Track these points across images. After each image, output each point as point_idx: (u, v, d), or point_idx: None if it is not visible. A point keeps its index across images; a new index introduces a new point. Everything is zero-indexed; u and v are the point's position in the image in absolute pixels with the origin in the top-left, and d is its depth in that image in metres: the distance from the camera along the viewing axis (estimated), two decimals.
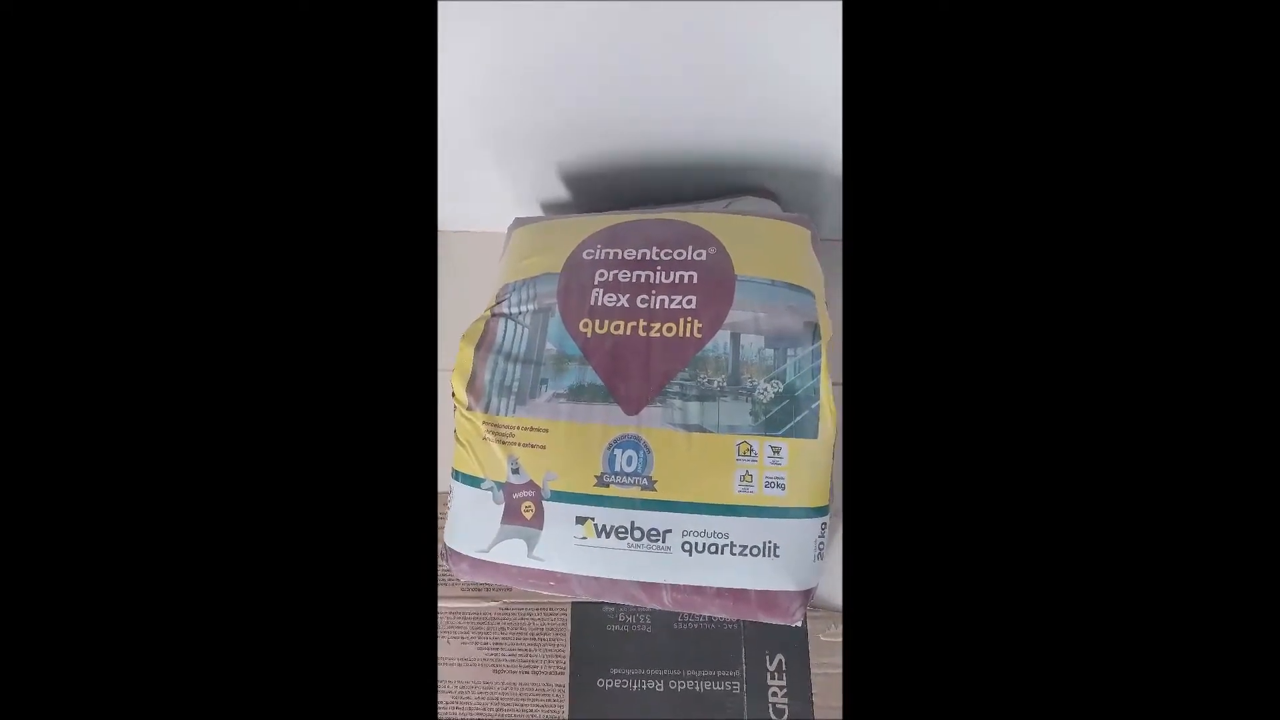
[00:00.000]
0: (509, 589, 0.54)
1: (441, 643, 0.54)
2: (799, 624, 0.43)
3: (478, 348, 0.44)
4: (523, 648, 0.53)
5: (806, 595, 0.41)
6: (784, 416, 0.40)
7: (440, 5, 0.35)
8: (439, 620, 0.54)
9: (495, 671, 0.53)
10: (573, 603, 0.53)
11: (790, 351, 0.41)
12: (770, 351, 0.41)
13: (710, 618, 0.52)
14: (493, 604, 0.54)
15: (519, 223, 0.50)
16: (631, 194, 0.55)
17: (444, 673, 0.53)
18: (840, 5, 0.34)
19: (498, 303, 0.45)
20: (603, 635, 0.53)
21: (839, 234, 0.57)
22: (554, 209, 0.59)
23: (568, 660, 0.52)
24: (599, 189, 0.56)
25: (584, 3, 0.37)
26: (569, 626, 0.53)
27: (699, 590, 0.40)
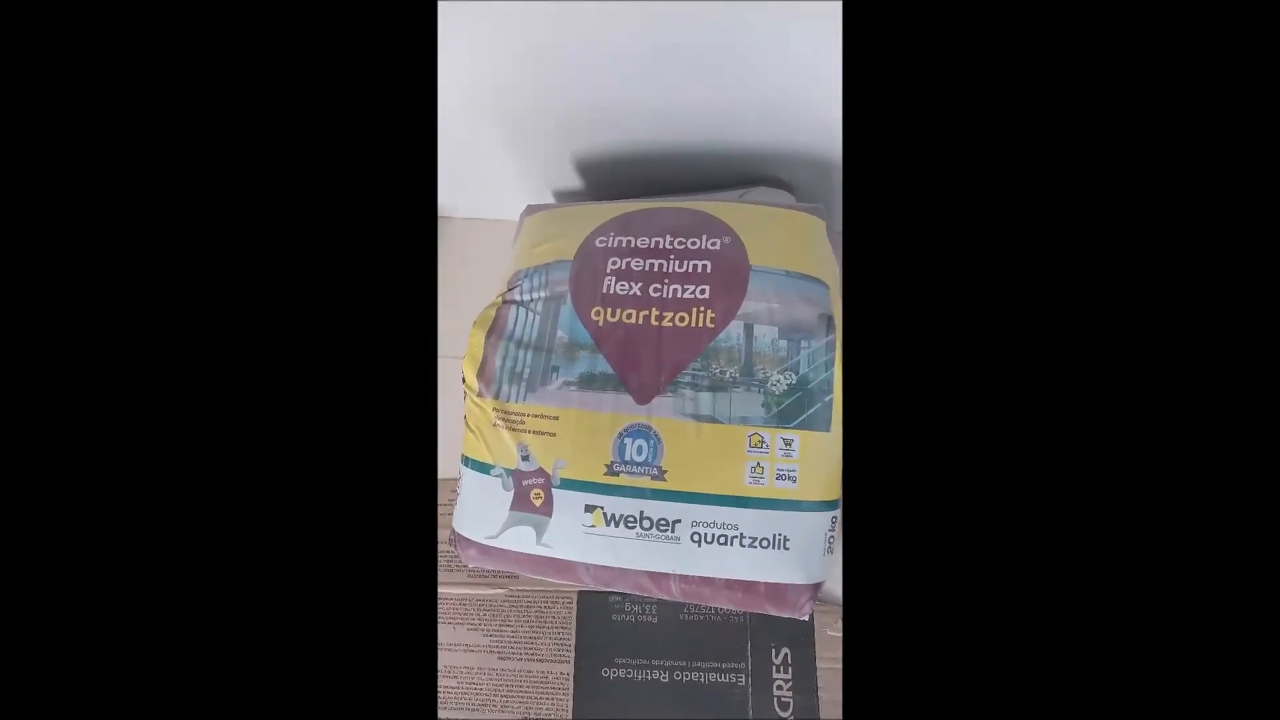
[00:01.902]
0: (515, 576, 0.54)
1: (447, 629, 0.54)
2: (807, 618, 0.43)
3: (489, 334, 0.43)
4: (528, 636, 0.53)
5: (815, 589, 0.41)
6: (796, 409, 0.39)
7: None
8: (444, 606, 0.54)
9: (500, 659, 0.53)
10: (579, 592, 0.53)
11: (804, 343, 0.40)
12: (784, 343, 0.40)
13: (716, 610, 0.52)
14: (499, 591, 0.54)
15: (531, 210, 0.50)
16: (645, 183, 0.54)
17: (448, 658, 0.53)
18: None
19: (509, 289, 0.45)
20: (608, 625, 0.53)
21: None
22: (567, 197, 0.59)
23: (573, 649, 0.52)
24: (612, 178, 0.55)
25: None
26: (574, 615, 0.53)
27: (708, 581, 0.40)
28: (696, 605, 0.52)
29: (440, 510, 0.56)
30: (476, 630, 0.54)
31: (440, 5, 0.36)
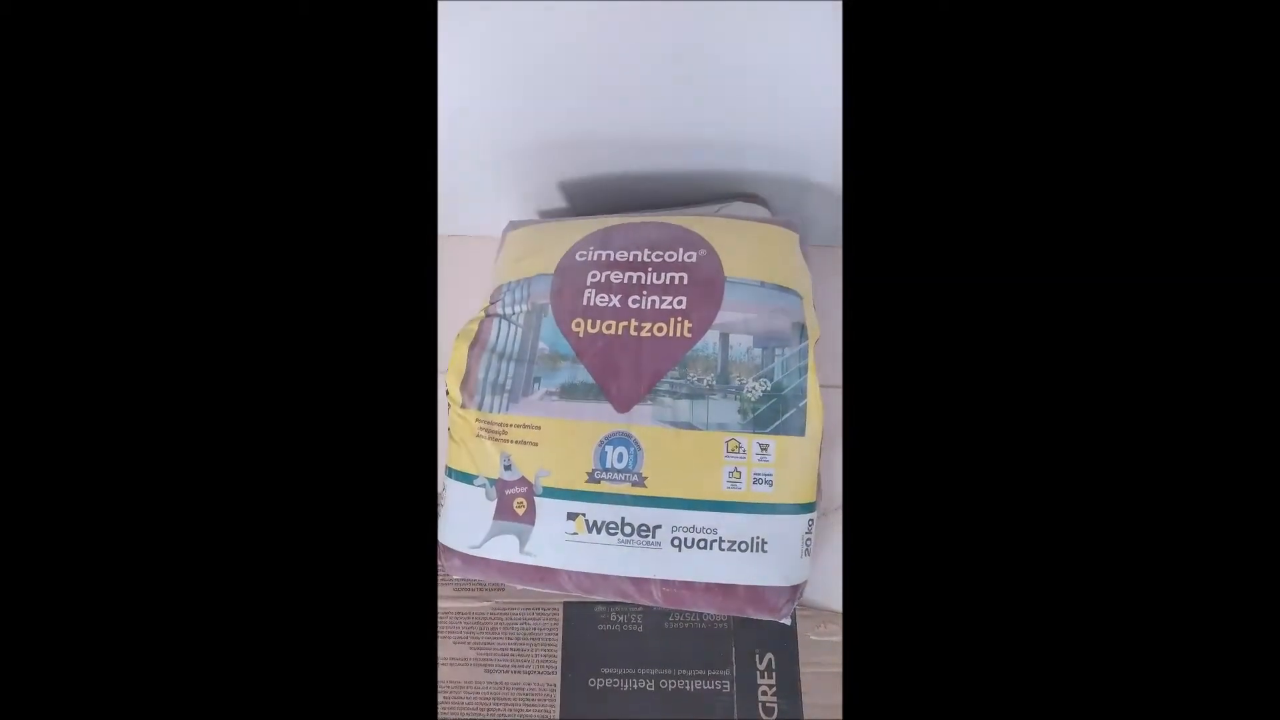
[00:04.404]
0: (501, 588, 0.54)
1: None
2: (788, 621, 0.44)
3: (472, 346, 0.44)
4: (514, 647, 0.54)
5: (794, 591, 0.42)
6: (772, 414, 0.41)
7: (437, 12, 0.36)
8: None
9: (487, 671, 0.53)
10: (564, 603, 0.54)
11: (778, 351, 0.42)
12: (759, 351, 0.42)
13: (700, 617, 0.52)
14: (485, 604, 0.55)
15: (513, 225, 0.51)
16: (624, 199, 0.56)
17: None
18: (834, 18, 0.36)
19: (492, 303, 0.46)
20: (594, 635, 0.53)
21: (826, 240, 0.59)
22: (548, 214, 0.60)
23: (559, 660, 0.53)
24: (593, 195, 0.57)
25: (581, 6, 0.38)
26: (560, 626, 0.54)
27: (688, 585, 0.41)
28: (681, 613, 0.52)
29: None
30: (463, 644, 0.54)
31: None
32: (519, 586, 0.47)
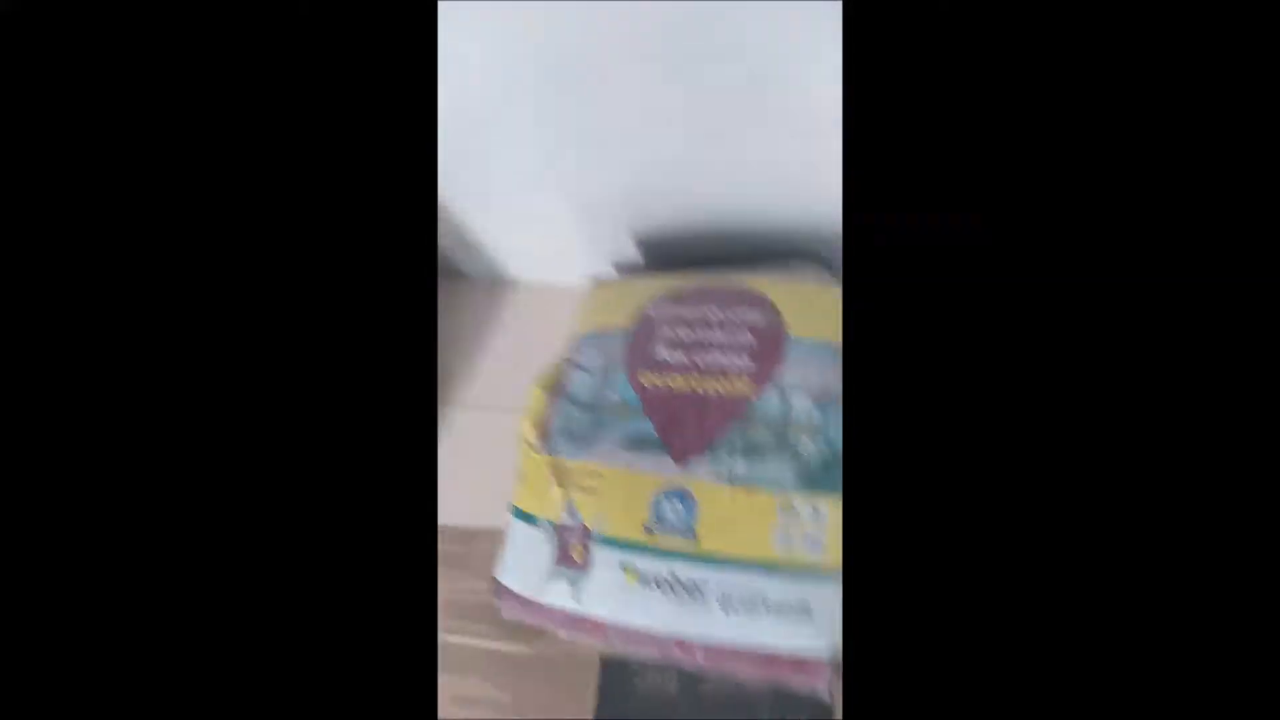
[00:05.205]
0: (543, 634, 0.54)
1: (470, 681, 0.54)
2: (827, 699, 0.43)
3: (550, 393, 0.47)
4: (548, 696, 0.53)
5: (837, 665, 0.41)
6: (827, 476, 0.41)
7: (521, 70, 0.39)
8: (470, 658, 0.55)
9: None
10: (601, 656, 0.54)
11: (837, 412, 0.42)
12: (818, 412, 0.43)
13: (737, 686, 0.51)
14: (525, 648, 0.55)
15: (595, 280, 0.54)
16: (695, 256, 0.59)
17: (467, 711, 0.53)
18: None
19: (570, 352, 0.49)
20: (629, 693, 0.52)
21: None
22: (624, 268, 0.64)
23: (591, 715, 0.52)
24: (666, 250, 0.60)
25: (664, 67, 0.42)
26: (596, 681, 0.53)
27: (731, 647, 0.41)
28: (717, 676, 0.52)
29: (481, 560, 0.56)
30: (497, 687, 0.54)
31: (512, 88, 0.40)
32: (564, 635, 0.47)
